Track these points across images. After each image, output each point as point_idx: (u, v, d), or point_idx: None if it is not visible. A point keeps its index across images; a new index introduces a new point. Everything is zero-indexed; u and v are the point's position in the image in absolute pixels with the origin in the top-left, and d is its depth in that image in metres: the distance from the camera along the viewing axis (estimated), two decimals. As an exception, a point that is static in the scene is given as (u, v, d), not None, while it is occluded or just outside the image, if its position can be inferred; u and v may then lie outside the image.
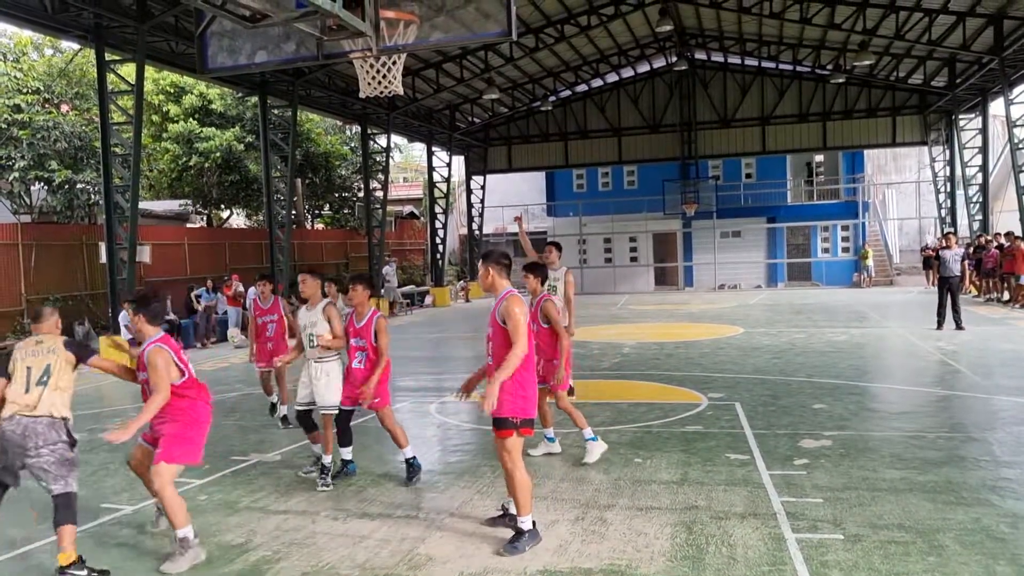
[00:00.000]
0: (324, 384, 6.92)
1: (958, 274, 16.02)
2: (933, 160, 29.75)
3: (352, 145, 31.81)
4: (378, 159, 26.66)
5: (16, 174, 19.56)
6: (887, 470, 6.64)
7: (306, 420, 7.16)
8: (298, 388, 7.12)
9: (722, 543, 5.20)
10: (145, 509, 6.38)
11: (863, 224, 32.64)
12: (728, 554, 5.02)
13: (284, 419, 9.33)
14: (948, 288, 15.89)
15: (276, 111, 21.41)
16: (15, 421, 5.00)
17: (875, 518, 5.53)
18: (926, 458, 6.94)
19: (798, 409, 9.13)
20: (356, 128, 28.26)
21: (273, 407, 9.64)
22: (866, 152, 34.31)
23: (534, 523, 5.31)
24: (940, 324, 15.93)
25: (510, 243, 40.04)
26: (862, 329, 16.62)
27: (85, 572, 4.91)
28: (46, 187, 20.49)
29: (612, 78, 31.59)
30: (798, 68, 29.05)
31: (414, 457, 6.96)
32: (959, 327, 15.65)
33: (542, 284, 7.15)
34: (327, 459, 6.87)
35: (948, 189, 28.89)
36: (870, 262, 30.98)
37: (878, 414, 8.88)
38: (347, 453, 7.10)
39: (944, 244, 16.66)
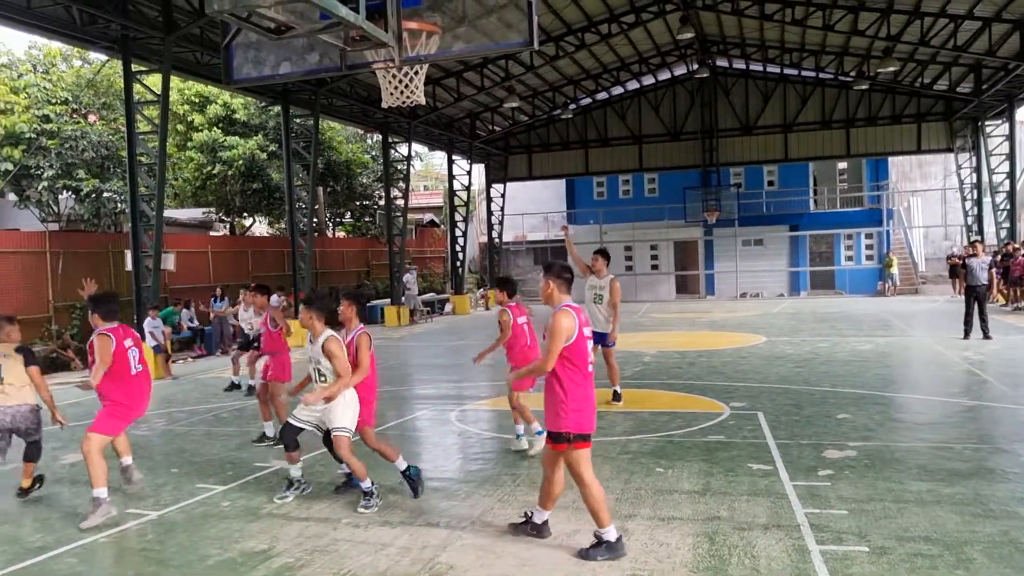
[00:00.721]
0: (341, 407, 6.45)
1: (985, 283, 15.89)
2: (959, 167, 29.40)
3: (373, 153, 32.02)
4: (399, 167, 26.79)
5: (44, 183, 19.88)
6: (913, 482, 6.56)
7: (293, 438, 6.66)
8: (300, 405, 6.59)
9: (745, 554, 5.16)
10: (168, 514, 6.43)
11: (887, 232, 32.35)
12: (751, 565, 4.98)
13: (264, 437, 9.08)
14: (975, 297, 15.75)
15: (298, 120, 21.58)
16: None
17: (901, 530, 5.47)
18: (953, 470, 6.85)
19: (822, 419, 9.05)
20: (377, 136, 28.44)
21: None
22: (890, 159, 34.01)
23: (620, 537, 5.25)
24: (967, 333, 15.78)
25: (530, 251, 40.13)
26: (887, 338, 16.44)
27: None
28: (74, 196, 20.80)
29: (633, 86, 31.56)
30: (821, 75, 28.86)
31: (408, 467, 6.68)
32: (986, 336, 15.51)
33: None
34: (295, 472, 6.75)
35: (975, 196, 28.52)
36: (895, 270, 30.67)
37: (904, 424, 8.78)
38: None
39: (971, 252, 16.51)
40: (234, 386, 13.12)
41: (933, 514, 5.77)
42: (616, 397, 10.40)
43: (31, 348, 7.36)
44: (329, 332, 6.48)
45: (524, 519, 5.73)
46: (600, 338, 9.90)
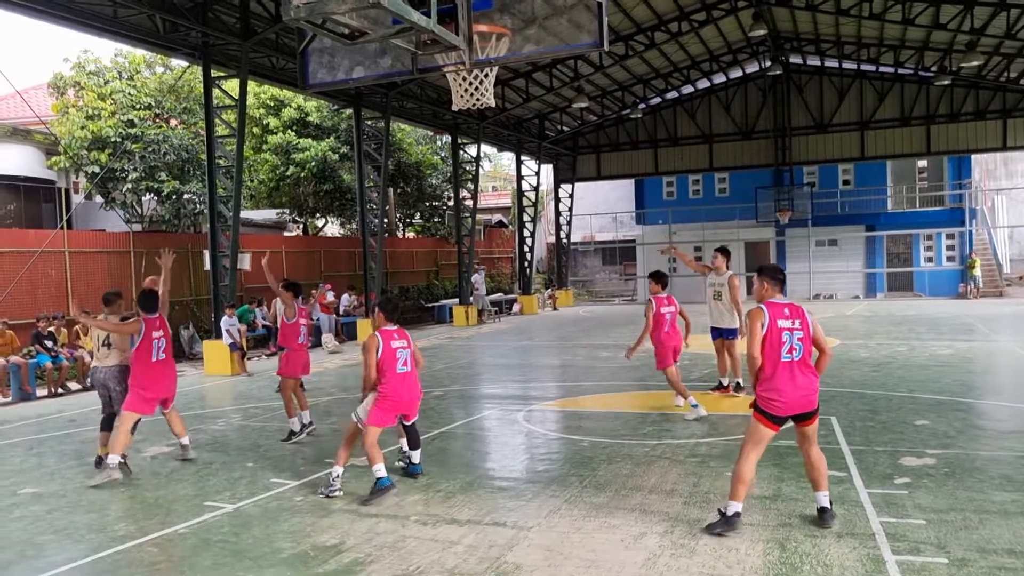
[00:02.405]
0: (365, 401, 6.93)
1: None
2: (1048, 164, 28.19)
3: (443, 155, 32.33)
4: (468, 168, 27.00)
5: (129, 185, 20.67)
6: (996, 492, 6.32)
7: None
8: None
9: (817, 562, 5.05)
10: (244, 507, 6.63)
11: (970, 232, 31.16)
12: (824, 574, 4.88)
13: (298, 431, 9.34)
14: None
15: (369, 122, 21.95)
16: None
17: (983, 542, 5.28)
18: (1039, 480, 6.58)
19: (899, 425, 8.79)
20: (447, 138, 28.71)
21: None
22: (974, 157, 32.75)
23: (737, 513, 5.64)
24: None
25: (598, 251, 39.98)
26: (969, 343, 15.85)
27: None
28: (155, 197, 21.57)
29: (703, 84, 31.14)
30: (900, 70, 28.00)
31: (380, 480, 6.70)
32: None
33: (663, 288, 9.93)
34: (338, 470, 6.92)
35: (1064, 195, 27.32)
36: (977, 272, 29.52)
37: (986, 432, 8.46)
38: (415, 456, 7.43)
39: None
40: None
41: (1017, 526, 5.55)
42: (737, 388, 11.05)
43: (128, 316, 8.35)
44: (371, 333, 6.97)
45: (823, 510, 5.77)
46: (723, 333, 10.98)
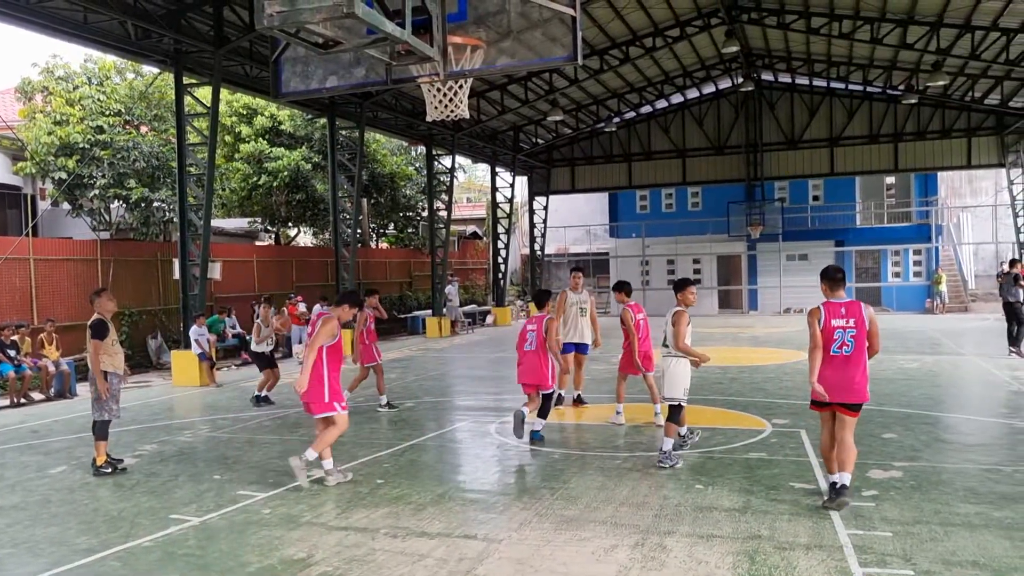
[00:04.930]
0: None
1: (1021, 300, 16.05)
2: (1011, 182, 28.72)
3: (417, 166, 32.29)
4: (442, 179, 26.99)
5: (96, 192, 20.39)
6: (961, 504, 6.40)
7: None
8: None
9: (785, 575, 5.08)
10: (210, 520, 6.53)
11: (936, 248, 31.68)
12: (792, 586, 4.90)
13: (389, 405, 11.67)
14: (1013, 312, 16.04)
15: (344, 132, 21.88)
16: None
17: (948, 554, 5.34)
18: (1003, 493, 6.67)
19: (867, 438, 8.87)
20: (421, 149, 28.68)
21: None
22: (940, 174, 33.34)
23: (833, 483, 6.41)
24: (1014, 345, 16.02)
25: (572, 263, 40.05)
26: (935, 356, 16.08)
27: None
28: (124, 205, 21.30)
29: (677, 99, 31.42)
30: (868, 88, 28.46)
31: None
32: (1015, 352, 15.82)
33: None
34: None
35: (1027, 213, 27.86)
36: (943, 287, 30.01)
37: (951, 445, 8.58)
38: (537, 424, 9.08)
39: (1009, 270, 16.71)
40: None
41: (981, 538, 5.62)
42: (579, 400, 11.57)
43: (99, 323, 8.24)
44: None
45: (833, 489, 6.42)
46: (580, 348, 11.34)
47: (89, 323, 8.26)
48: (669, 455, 7.81)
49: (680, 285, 8.10)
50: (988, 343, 18.28)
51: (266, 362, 12.61)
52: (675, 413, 7.88)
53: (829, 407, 6.50)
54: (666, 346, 8.06)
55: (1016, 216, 28.64)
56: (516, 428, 8.87)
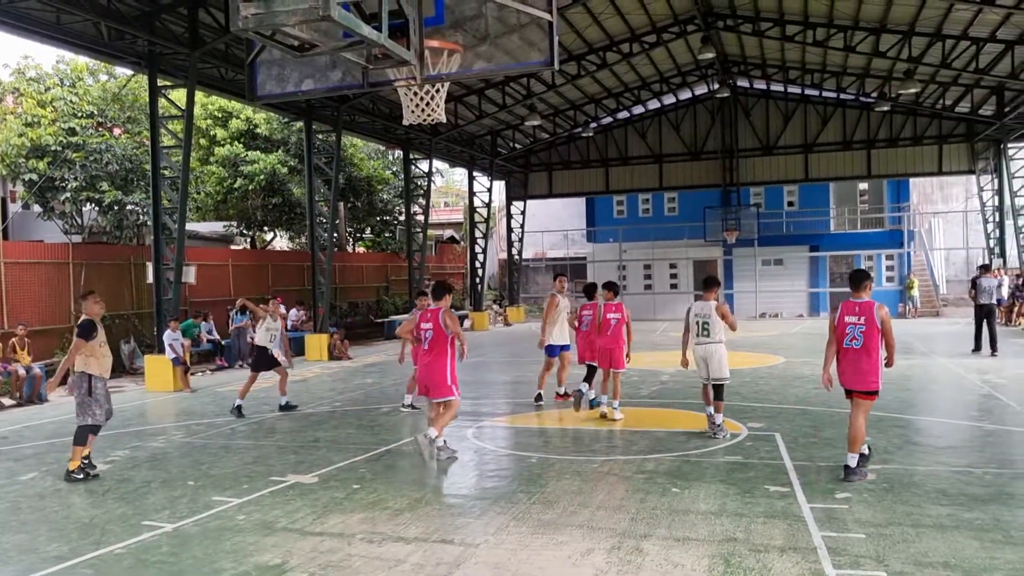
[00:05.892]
0: None
1: (993, 302, 17.46)
2: (981, 189, 29.20)
3: (394, 170, 32.25)
4: (420, 183, 26.95)
5: (68, 195, 20.14)
6: (932, 506, 6.48)
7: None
8: None
9: (761, 577, 5.11)
10: (183, 527, 6.46)
11: (908, 254, 32.09)
12: (767, 589, 4.93)
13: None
14: (984, 314, 17.23)
15: (320, 136, 21.77)
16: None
17: (920, 555, 5.40)
18: (973, 494, 6.76)
19: (840, 441, 8.93)
20: (398, 153, 28.62)
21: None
22: (912, 180, 33.78)
23: (858, 461, 7.36)
24: (978, 347, 17.26)
25: (549, 268, 40.12)
26: (907, 360, 16.26)
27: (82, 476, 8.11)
28: (96, 207, 21.05)
29: (653, 105, 31.61)
30: (842, 96, 28.79)
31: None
32: (993, 353, 16.69)
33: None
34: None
35: (996, 219, 28.30)
36: (915, 292, 30.40)
37: (923, 448, 8.68)
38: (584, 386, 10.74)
39: (983, 273, 18.25)
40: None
41: (952, 539, 5.70)
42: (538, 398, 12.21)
43: (86, 323, 8.39)
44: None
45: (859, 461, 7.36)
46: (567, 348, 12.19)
47: (78, 323, 8.45)
48: (721, 427, 9.33)
49: (710, 283, 9.68)
50: (959, 347, 18.52)
51: (267, 361, 12.09)
52: (723, 391, 9.45)
53: (850, 393, 7.43)
54: (706, 335, 9.38)
55: (986, 222, 29.11)
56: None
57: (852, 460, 7.27)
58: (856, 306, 7.35)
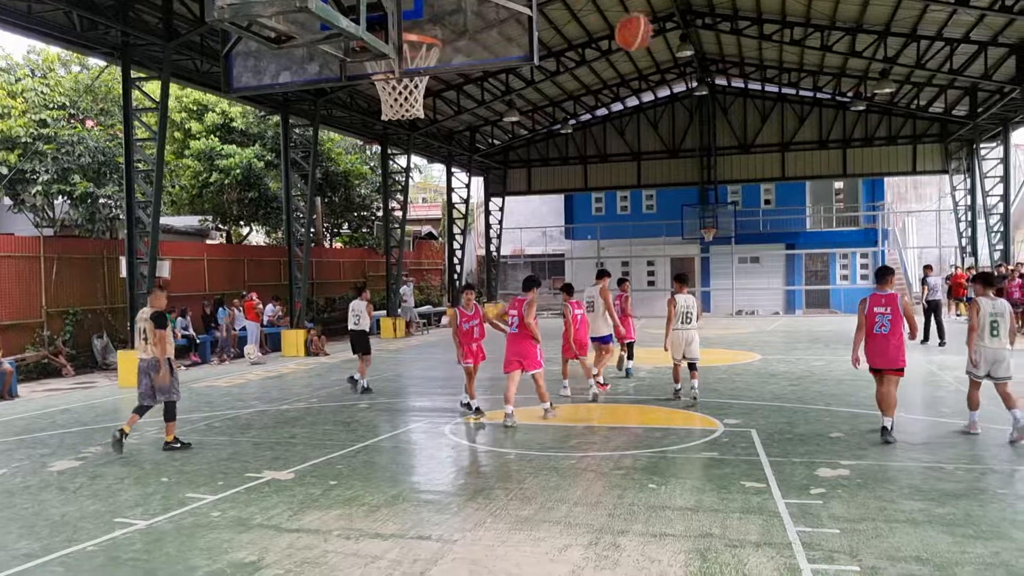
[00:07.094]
0: None
1: (939, 297, 19.58)
2: (954, 189, 29.59)
3: (372, 165, 32.07)
4: (398, 179, 26.83)
5: (39, 187, 19.81)
6: (905, 501, 6.55)
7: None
8: None
9: (736, 572, 5.14)
10: (157, 524, 6.38)
11: (883, 252, 32.45)
12: (743, 584, 4.96)
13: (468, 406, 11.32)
14: (932, 309, 19.22)
15: (297, 130, 21.59)
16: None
17: (893, 550, 5.46)
18: (945, 490, 6.84)
19: (815, 437, 9.05)
20: (376, 148, 28.48)
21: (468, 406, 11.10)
22: (886, 180, 34.16)
23: (892, 424, 8.72)
24: (926, 338, 18.76)
25: (528, 265, 40.17)
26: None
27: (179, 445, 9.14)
28: (68, 200, 20.74)
29: (632, 102, 31.72)
30: (818, 95, 29.04)
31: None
32: (941, 343, 18.44)
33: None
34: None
35: (969, 218, 28.70)
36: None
37: (896, 444, 8.77)
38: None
39: (929, 272, 20.42)
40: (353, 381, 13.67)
41: (924, 534, 5.76)
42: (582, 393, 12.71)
43: (157, 315, 9.08)
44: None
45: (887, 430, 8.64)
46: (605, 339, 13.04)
47: (149, 316, 9.08)
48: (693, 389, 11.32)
49: (682, 279, 11.93)
50: (930, 345, 18.75)
51: (364, 344, 13.47)
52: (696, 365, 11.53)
53: (879, 372, 8.71)
54: (688, 323, 11.24)
55: (959, 221, 29.50)
56: None
57: (888, 422, 8.63)
58: (883, 298, 8.66)
